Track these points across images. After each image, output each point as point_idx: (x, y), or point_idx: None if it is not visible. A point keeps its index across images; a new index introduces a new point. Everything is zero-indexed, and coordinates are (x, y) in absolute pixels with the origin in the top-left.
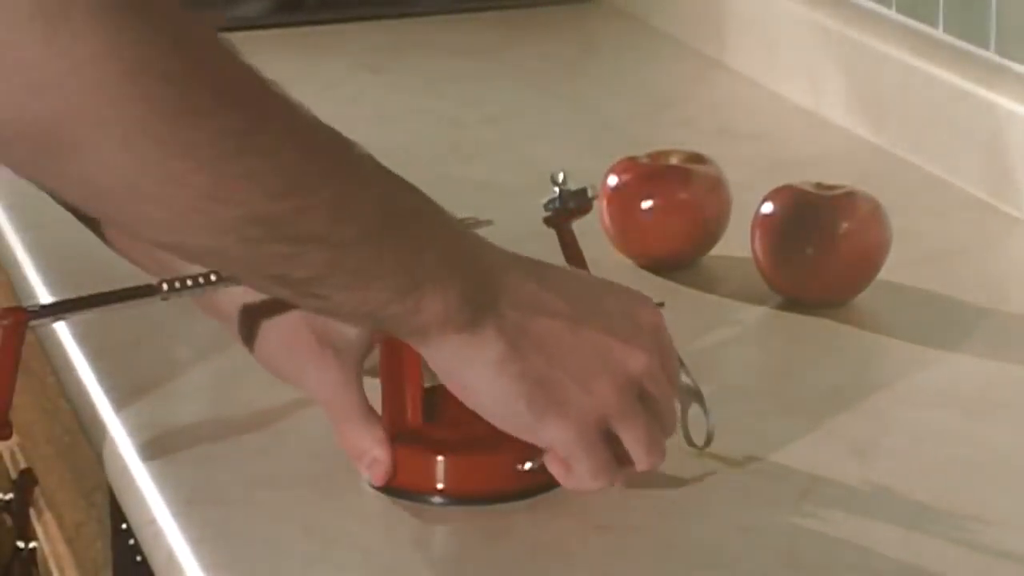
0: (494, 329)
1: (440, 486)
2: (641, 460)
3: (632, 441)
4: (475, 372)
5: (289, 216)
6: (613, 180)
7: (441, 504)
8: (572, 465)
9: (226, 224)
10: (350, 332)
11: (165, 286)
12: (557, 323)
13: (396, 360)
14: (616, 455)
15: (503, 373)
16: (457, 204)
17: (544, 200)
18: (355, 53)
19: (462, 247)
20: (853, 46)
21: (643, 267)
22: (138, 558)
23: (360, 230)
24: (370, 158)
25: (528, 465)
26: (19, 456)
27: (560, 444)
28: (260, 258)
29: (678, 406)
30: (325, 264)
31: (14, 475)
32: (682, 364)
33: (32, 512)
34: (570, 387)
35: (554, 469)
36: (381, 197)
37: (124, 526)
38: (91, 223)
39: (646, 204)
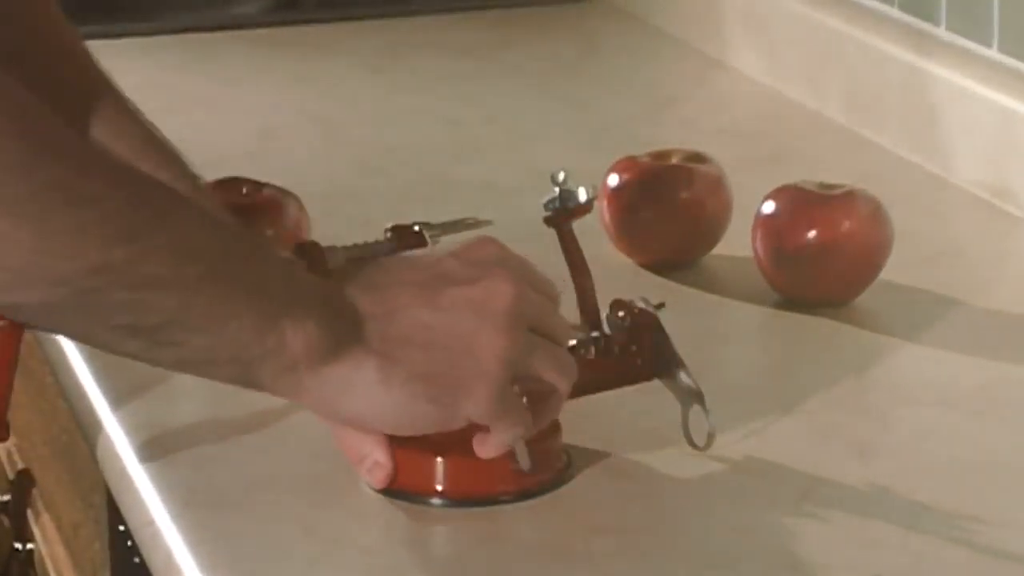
0: (361, 349)
1: (439, 488)
2: (559, 382)
3: (542, 370)
4: (362, 396)
5: (128, 263)
6: (613, 180)
7: (440, 505)
8: (497, 430)
9: (62, 277)
10: None
11: None
12: (412, 312)
13: None
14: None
15: (391, 385)
16: (457, 204)
17: (544, 200)
18: (355, 53)
19: (304, 279)
20: (854, 45)
21: (643, 267)
22: (136, 559)
23: (205, 269)
24: (200, 203)
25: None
26: (17, 457)
27: (480, 415)
28: (104, 309)
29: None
30: (176, 307)
31: (12, 476)
32: (682, 364)
33: (30, 513)
34: (459, 360)
35: (477, 446)
36: (219, 236)
37: (122, 527)
38: None
39: (646, 204)
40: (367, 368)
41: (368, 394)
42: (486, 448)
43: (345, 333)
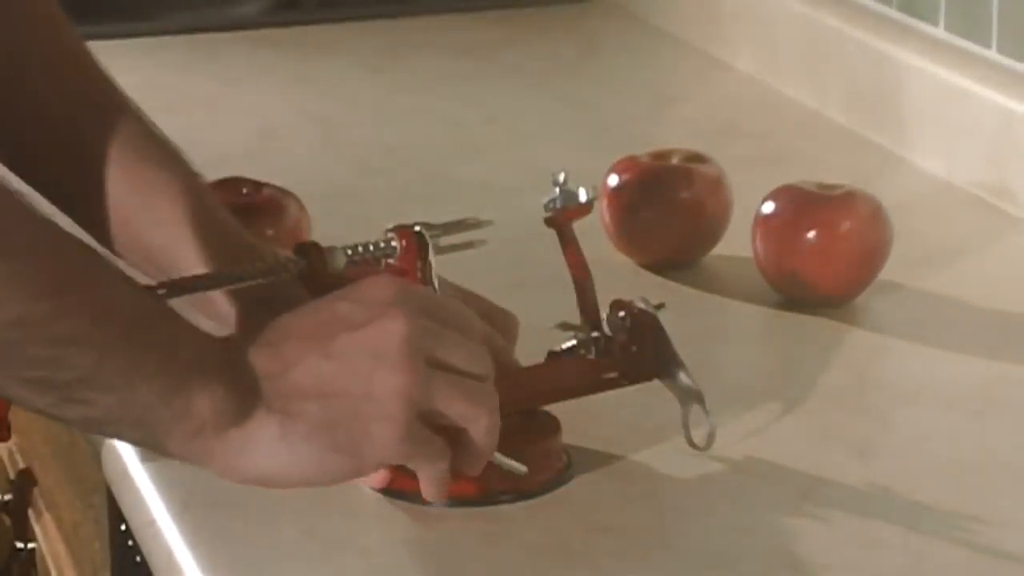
0: (262, 409)
1: None
2: (470, 411)
3: (448, 402)
4: (267, 456)
5: (48, 318)
6: (613, 180)
7: (440, 505)
8: (418, 468)
9: None
10: None
11: (165, 287)
12: (307, 363)
13: None
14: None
15: (293, 443)
16: (457, 204)
17: (544, 200)
18: (355, 53)
19: (209, 342)
20: (854, 45)
21: (643, 267)
22: (137, 559)
23: (121, 330)
24: (116, 265)
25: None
26: (18, 456)
27: (391, 459)
28: (19, 361)
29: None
30: (90, 366)
31: (13, 475)
32: (682, 364)
33: (31, 512)
34: (358, 405)
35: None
36: (135, 299)
37: (123, 527)
38: (89, 225)
39: (646, 204)
40: (269, 427)
41: (272, 453)
42: (426, 491)
43: (247, 395)
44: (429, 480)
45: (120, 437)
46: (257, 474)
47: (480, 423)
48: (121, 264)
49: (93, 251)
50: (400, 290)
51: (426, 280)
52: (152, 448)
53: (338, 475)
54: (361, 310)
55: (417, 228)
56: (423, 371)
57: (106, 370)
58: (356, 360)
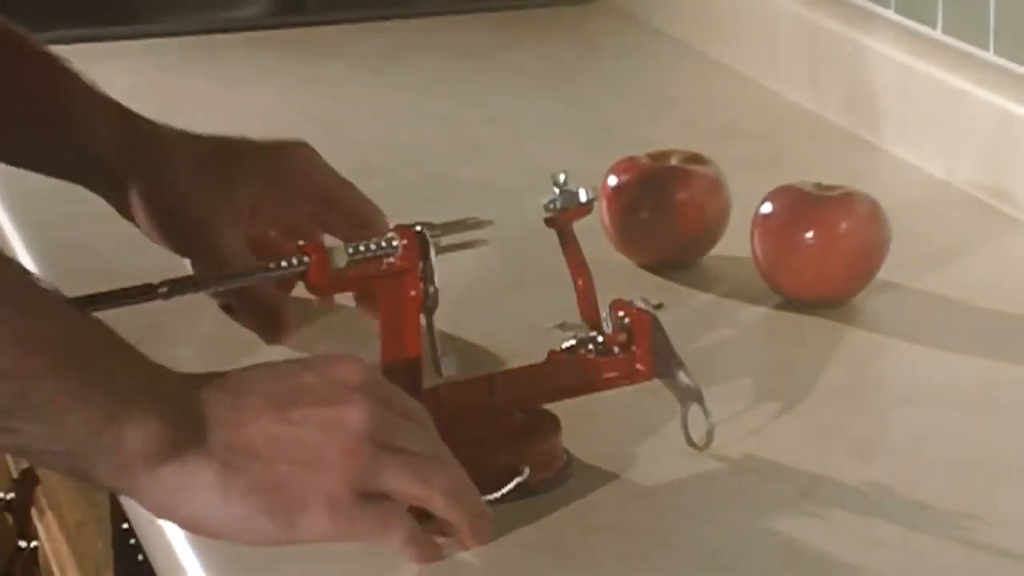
0: (203, 454)
1: None
2: (422, 499)
3: (399, 487)
4: (198, 501)
5: None
6: (613, 180)
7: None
8: (362, 540)
9: None
10: None
11: (165, 286)
12: (262, 423)
13: (396, 361)
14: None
15: (228, 494)
16: (457, 204)
17: (544, 201)
18: (355, 54)
19: (155, 376)
20: (853, 46)
21: (643, 267)
22: (139, 557)
23: (47, 363)
24: (56, 292)
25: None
26: None
27: (323, 536)
28: None
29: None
30: (14, 396)
31: (16, 474)
32: (682, 364)
33: (34, 511)
34: (301, 477)
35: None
36: (69, 330)
37: (125, 525)
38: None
39: (646, 204)
40: (206, 473)
41: (206, 500)
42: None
43: (188, 436)
44: (400, 548)
45: (52, 467)
46: (186, 517)
47: (436, 502)
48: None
49: (29, 279)
50: (366, 377)
51: (427, 279)
52: (84, 480)
53: (266, 539)
54: (326, 388)
55: (418, 228)
56: (371, 453)
57: (30, 402)
58: (310, 433)
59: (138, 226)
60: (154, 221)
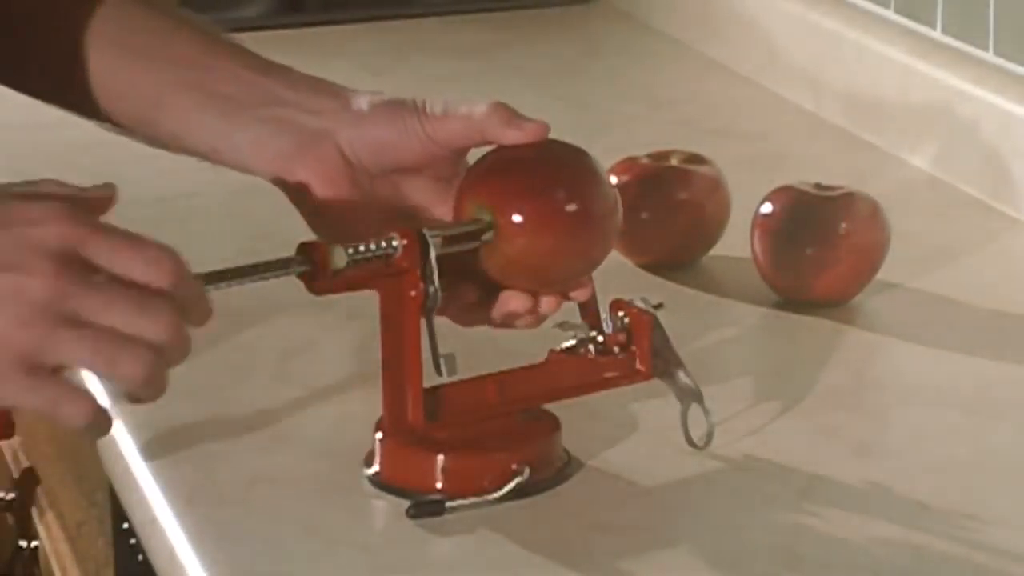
0: None
1: (439, 485)
2: (107, 375)
3: (77, 365)
4: None
5: None
6: (613, 180)
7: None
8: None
9: None
10: None
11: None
12: None
13: (397, 361)
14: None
15: None
16: None
17: None
18: (356, 54)
19: None
20: (852, 47)
21: (643, 267)
22: (140, 557)
23: None
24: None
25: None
26: (21, 455)
27: None
28: None
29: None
30: None
31: (16, 474)
32: (681, 364)
33: (34, 511)
34: None
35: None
36: None
37: (125, 525)
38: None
39: (646, 204)
40: None
41: None
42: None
43: None
44: (79, 428)
45: None
46: None
47: (121, 382)
48: None
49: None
50: (68, 236)
51: (427, 279)
52: None
53: None
54: (12, 248)
55: (425, 229)
56: (47, 328)
57: None
58: None
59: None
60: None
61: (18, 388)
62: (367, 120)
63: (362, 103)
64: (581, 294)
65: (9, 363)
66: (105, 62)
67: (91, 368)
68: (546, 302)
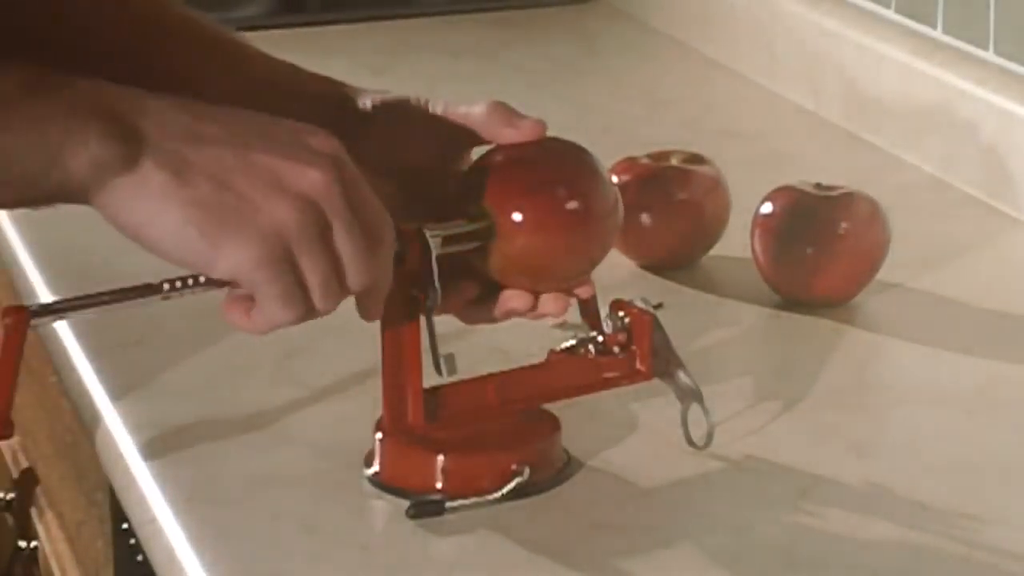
0: (152, 162)
1: (439, 485)
2: (314, 292)
3: (308, 270)
4: (144, 207)
5: None
6: (613, 180)
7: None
8: (257, 295)
9: None
10: None
11: (166, 286)
12: (220, 149)
13: (397, 361)
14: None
15: (170, 202)
16: None
17: None
18: (356, 54)
19: (96, 95)
20: (852, 47)
21: (643, 267)
22: (139, 557)
23: None
24: None
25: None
26: (20, 455)
27: (240, 269)
28: None
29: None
30: None
31: (15, 474)
32: (681, 364)
33: (33, 511)
34: (243, 208)
35: (235, 312)
36: None
37: (125, 525)
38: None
39: (646, 204)
40: (154, 180)
41: (148, 205)
42: (256, 318)
43: (136, 144)
44: (259, 316)
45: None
46: (136, 224)
47: (316, 304)
48: None
49: None
50: (337, 153)
51: (427, 279)
52: (53, 201)
53: (188, 253)
54: (293, 147)
55: (425, 229)
56: (310, 229)
57: None
58: (263, 176)
59: None
60: None
61: (270, 268)
62: (373, 119)
63: (367, 101)
64: (584, 291)
65: (275, 239)
66: None
67: (310, 276)
68: (552, 304)
